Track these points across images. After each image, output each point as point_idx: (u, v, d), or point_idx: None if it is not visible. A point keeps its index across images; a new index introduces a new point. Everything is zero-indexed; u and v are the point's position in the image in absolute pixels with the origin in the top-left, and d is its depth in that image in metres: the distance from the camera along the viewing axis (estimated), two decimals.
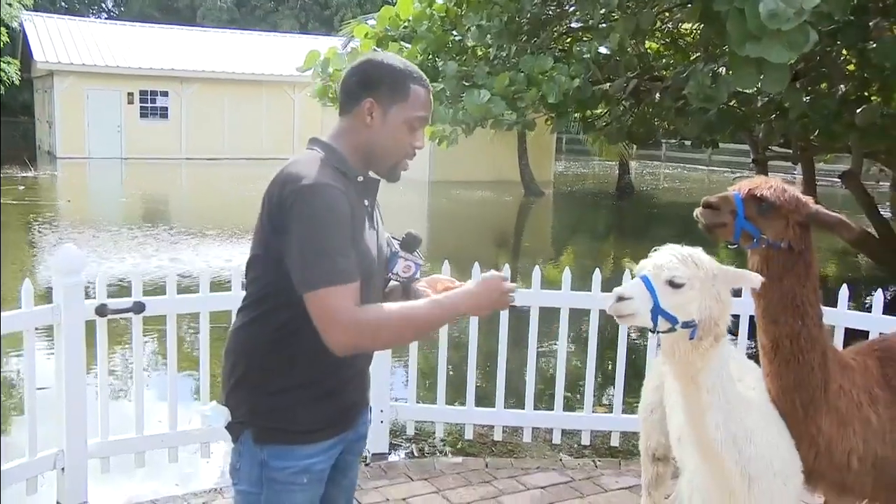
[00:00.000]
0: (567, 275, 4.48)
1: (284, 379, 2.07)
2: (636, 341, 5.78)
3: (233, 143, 30.88)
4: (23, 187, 20.15)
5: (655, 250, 2.43)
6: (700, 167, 35.56)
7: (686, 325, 2.31)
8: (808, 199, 2.60)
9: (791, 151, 10.46)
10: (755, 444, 2.50)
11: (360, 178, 2.10)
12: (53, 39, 29.98)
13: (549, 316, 4.66)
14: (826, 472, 2.67)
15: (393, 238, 2.23)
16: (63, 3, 45.77)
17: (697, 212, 2.61)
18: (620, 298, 2.30)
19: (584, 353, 4.65)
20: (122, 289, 6.02)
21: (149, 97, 30.69)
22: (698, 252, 2.37)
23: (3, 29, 27.69)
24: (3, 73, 30.00)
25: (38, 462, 3.81)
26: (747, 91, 7.10)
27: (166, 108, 30.99)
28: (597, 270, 4.51)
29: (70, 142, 29.21)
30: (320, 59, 9.74)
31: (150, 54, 30.67)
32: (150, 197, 20.88)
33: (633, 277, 2.41)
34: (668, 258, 2.36)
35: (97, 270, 8.70)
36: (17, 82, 31.96)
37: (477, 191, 22.58)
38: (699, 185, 29.54)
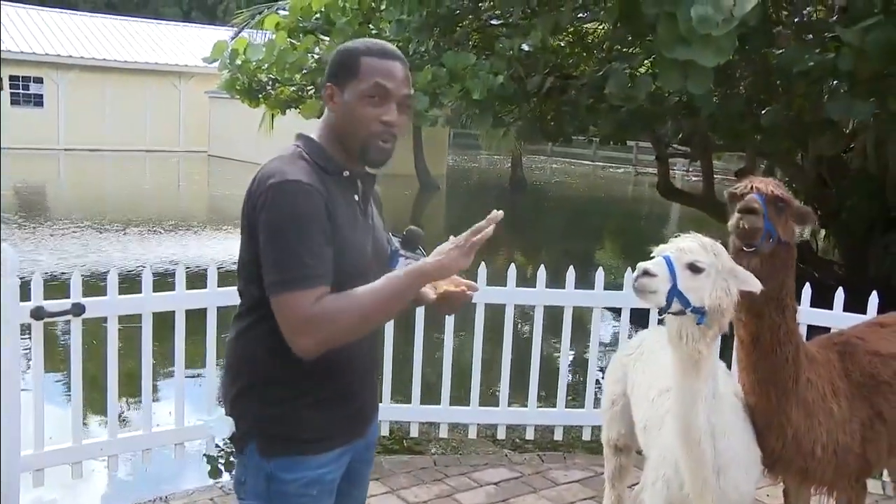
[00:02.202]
0: (512, 271, 4.51)
1: (288, 386, 1.99)
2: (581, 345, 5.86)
3: (115, 134, 29.65)
4: None
5: (677, 236, 2.50)
6: (585, 162, 36.48)
7: (696, 310, 2.39)
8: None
9: (689, 149, 10.86)
10: (727, 438, 2.60)
11: (346, 173, 2.00)
12: None
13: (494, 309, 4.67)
14: (792, 461, 2.79)
15: (394, 235, 2.16)
16: None
17: (738, 220, 2.61)
18: (646, 273, 2.36)
19: (528, 350, 4.69)
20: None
21: (20, 83, 29.07)
22: (718, 243, 2.46)
23: None
24: None
25: None
26: (661, 90, 7.34)
27: (41, 96, 29.43)
28: (542, 268, 4.56)
29: None
30: (227, 51, 9.46)
31: (23, 37, 29.06)
32: (32, 190, 19.89)
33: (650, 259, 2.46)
34: (691, 243, 2.45)
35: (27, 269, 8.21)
36: None
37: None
38: (586, 179, 30.33)
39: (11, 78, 28.70)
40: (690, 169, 25.57)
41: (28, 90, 29.23)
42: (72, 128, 29.35)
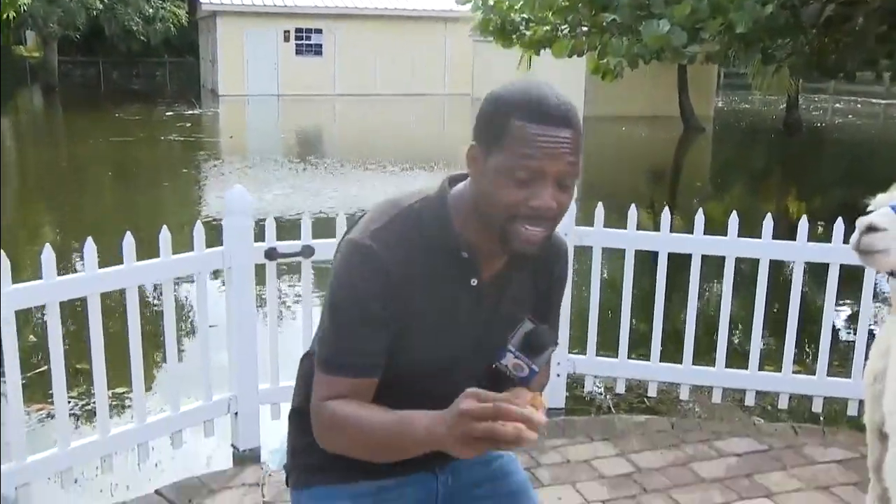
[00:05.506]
0: (769, 222, 4.01)
1: None
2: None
3: (383, 79, 31.06)
4: (189, 124, 20.90)
5: None
6: (875, 101, 33.02)
7: None
8: None
9: None
10: None
11: (465, 255, 1.61)
12: None
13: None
14: None
15: (528, 321, 1.66)
16: None
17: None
18: (871, 229, 1.94)
19: (783, 308, 4.19)
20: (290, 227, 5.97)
21: (304, 35, 31.26)
22: None
23: None
24: (173, 15, 31.40)
25: (213, 406, 3.75)
26: None
27: (320, 45, 31.51)
28: (804, 219, 4.01)
29: (230, 80, 30.18)
30: None
31: None
32: (309, 133, 21.29)
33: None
34: None
35: (265, 208, 8.80)
36: (185, 23, 33.31)
37: (634, 126, 21.76)
38: (876, 120, 27.46)
39: (297, 30, 30.99)
40: None
41: (310, 41, 31.38)
42: (345, 74, 31.10)
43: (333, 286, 1.59)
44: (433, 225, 1.60)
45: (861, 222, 1.95)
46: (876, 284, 4.23)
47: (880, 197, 2.06)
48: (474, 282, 1.63)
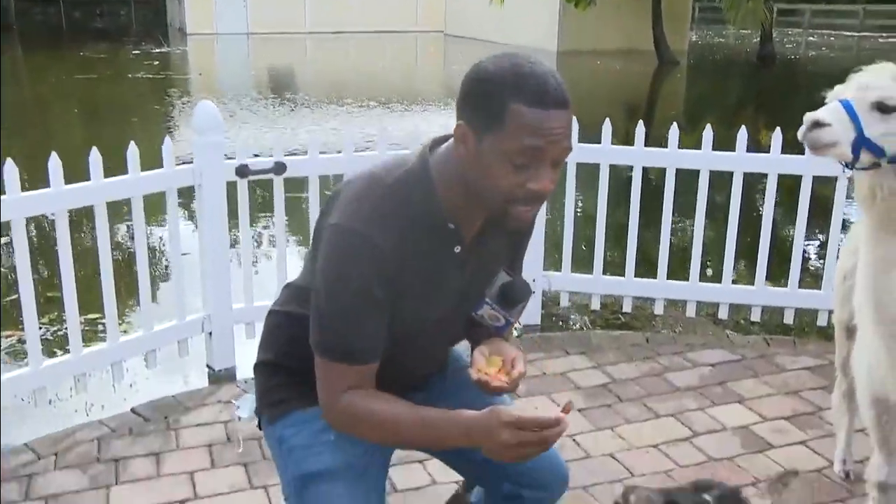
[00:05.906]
0: (743, 135, 3.99)
1: (297, 373, 1.74)
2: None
3: (355, 16, 30.53)
4: (157, 63, 20.50)
5: (859, 69, 2.03)
6: (848, 33, 33.00)
7: (894, 159, 1.94)
8: None
9: None
10: None
11: (451, 226, 1.60)
12: None
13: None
14: None
15: (505, 272, 1.75)
16: None
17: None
18: (816, 125, 1.94)
19: (757, 225, 4.21)
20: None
21: None
22: None
23: None
24: None
25: (187, 325, 3.73)
26: None
27: None
28: (777, 130, 4.00)
29: (198, 18, 29.53)
30: None
31: None
32: (282, 71, 20.99)
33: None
34: (876, 77, 1.98)
35: (237, 135, 8.68)
36: None
37: (609, 60, 21.60)
38: (849, 53, 27.39)
39: None
40: None
41: None
42: (316, 11, 30.51)
43: (326, 274, 1.55)
44: (419, 200, 1.56)
45: (808, 118, 1.95)
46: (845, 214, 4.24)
47: (837, 88, 2.06)
48: (458, 249, 1.63)
